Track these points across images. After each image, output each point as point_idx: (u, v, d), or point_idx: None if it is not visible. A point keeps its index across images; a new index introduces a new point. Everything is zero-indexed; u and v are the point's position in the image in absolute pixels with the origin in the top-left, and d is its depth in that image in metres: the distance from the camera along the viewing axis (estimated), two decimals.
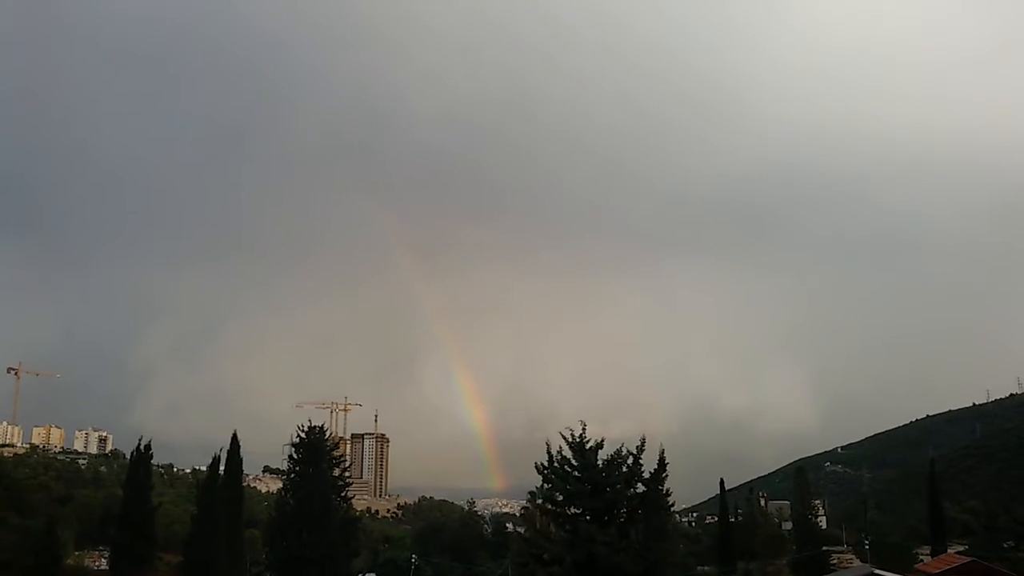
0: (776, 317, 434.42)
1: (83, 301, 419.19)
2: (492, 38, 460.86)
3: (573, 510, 43.67)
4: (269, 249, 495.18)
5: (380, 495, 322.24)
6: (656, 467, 43.57)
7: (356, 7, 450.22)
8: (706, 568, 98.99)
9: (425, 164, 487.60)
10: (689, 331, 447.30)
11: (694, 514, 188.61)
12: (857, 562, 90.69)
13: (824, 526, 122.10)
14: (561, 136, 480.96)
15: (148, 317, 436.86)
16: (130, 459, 75.16)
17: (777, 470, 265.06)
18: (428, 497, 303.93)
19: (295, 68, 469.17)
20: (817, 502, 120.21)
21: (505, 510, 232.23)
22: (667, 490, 43.99)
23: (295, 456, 62.17)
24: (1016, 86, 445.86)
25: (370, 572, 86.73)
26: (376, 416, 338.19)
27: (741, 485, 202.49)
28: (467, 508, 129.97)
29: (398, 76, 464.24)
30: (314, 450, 61.83)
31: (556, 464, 43.56)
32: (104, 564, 75.11)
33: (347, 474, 70.90)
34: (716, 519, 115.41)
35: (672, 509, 51.41)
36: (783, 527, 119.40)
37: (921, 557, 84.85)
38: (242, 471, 72.95)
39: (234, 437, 68.97)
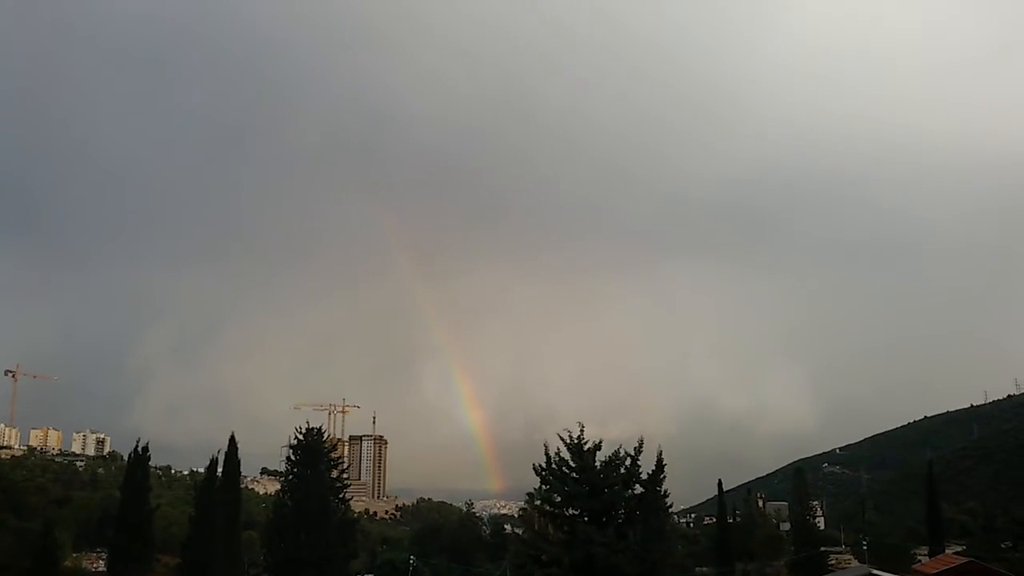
0: (775, 319, 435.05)
1: (82, 302, 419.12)
2: (492, 40, 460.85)
3: (571, 511, 43.63)
4: (268, 250, 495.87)
5: (378, 497, 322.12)
6: (654, 468, 43.56)
7: (356, 8, 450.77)
8: (704, 569, 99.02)
9: (425, 165, 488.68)
10: (688, 333, 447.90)
11: (692, 515, 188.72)
12: (855, 563, 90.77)
13: (822, 527, 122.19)
14: (561, 138, 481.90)
15: (147, 318, 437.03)
16: (128, 461, 75.08)
17: (775, 471, 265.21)
18: (426, 499, 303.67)
19: (295, 69, 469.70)
20: (815, 503, 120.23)
21: (503, 511, 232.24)
22: (665, 491, 44.00)
23: (293, 458, 62.17)
24: (1016, 88, 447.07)
25: (368, 573, 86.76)
26: (374, 418, 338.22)
27: (740, 486, 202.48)
28: (465, 509, 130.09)
29: (398, 77, 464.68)
30: (312, 452, 61.82)
31: (554, 465, 43.55)
32: (102, 566, 75.16)
33: (345, 476, 70.91)
34: (714, 520, 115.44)
35: (670, 510, 51.47)
36: (781, 528, 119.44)
37: (919, 558, 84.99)
38: (240, 473, 72.95)
39: (232, 439, 69.03)
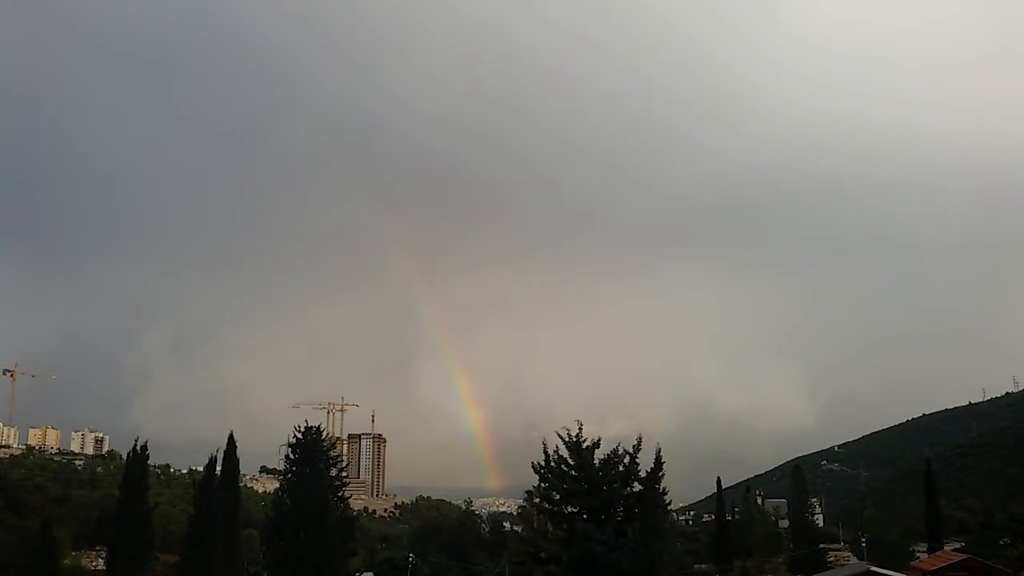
0: (774, 318, 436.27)
1: (80, 302, 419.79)
2: (489, 42, 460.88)
3: (570, 509, 43.64)
4: (267, 250, 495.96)
5: (377, 495, 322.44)
6: (653, 466, 43.53)
7: (353, 11, 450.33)
8: (703, 566, 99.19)
9: (422, 166, 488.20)
10: (687, 331, 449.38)
11: (691, 513, 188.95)
12: (854, 560, 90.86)
13: (821, 524, 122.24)
14: (559, 138, 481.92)
15: (145, 318, 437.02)
16: (127, 460, 75.10)
17: (774, 469, 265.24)
18: (425, 497, 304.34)
19: (292, 71, 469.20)
20: (814, 500, 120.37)
21: (502, 509, 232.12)
22: (664, 489, 43.95)
23: (292, 456, 62.12)
24: (1015, 89, 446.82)
25: (367, 571, 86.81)
26: (373, 416, 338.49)
27: (738, 484, 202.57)
28: (464, 507, 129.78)
29: (396, 79, 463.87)
30: (311, 450, 61.78)
31: (553, 463, 43.56)
32: (101, 564, 75.24)
33: (344, 474, 71.02)
34: (713, 518, 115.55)
35: (669, 508, 51.49)
36: (780, 525, 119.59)
37: (918, 554, 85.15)
38: (239, 471, 73.08)
39: (231, 437, 69.23)
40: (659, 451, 44.20)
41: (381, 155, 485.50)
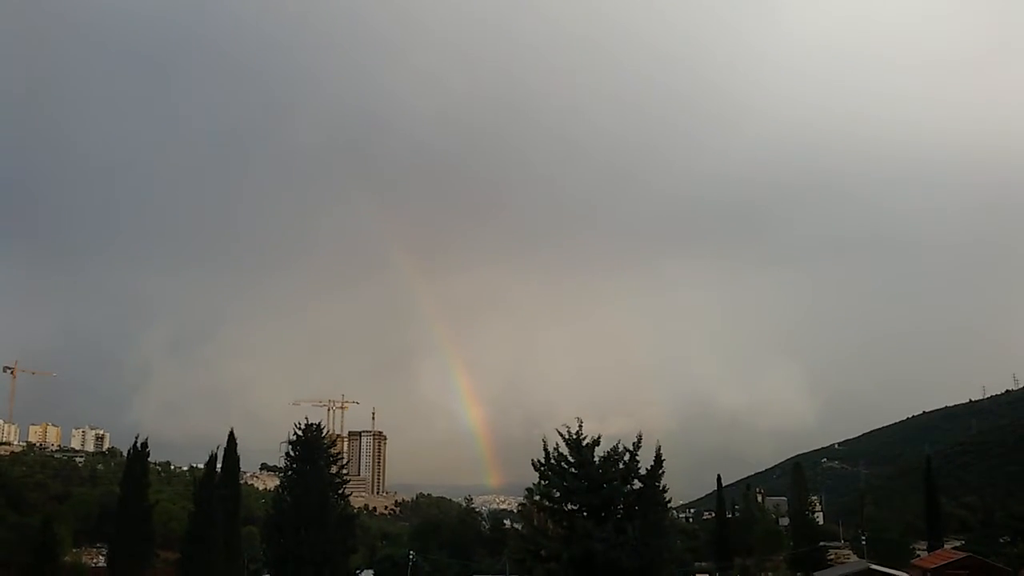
0: (774, 315, 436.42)
1: (81, 300, 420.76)
2: (489, 40, 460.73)
3: (570, 506, 43.66)
4: (267, 248, 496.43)
5: (377, 492, 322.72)
6: (653, 463, 43.53)
7: (353, 10, 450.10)
8: (703, 564, 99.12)
9: (422, 164, 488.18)
10: (687, 329, 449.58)
11: (691, 510, 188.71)
12: (854, 557, 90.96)
13: (821, 522, 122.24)
14: (559, 137, 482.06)
15: (146, 316, 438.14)
16: (127, 457, 75.12)
17: (774, 466, 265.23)
18: (426, 494, 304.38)
19: (292, 70, 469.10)
20: (814, 498, 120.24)
21: (503, 507, 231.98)
22: (664, 486, 43.94)
23: (292, 454, 62.16)
24: (1014, 85, 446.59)
25: (368, 569, 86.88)
26: (373, 414, 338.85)
27: (738, 481, 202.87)
28: (465, 505, 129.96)
29: (396, 77, 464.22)
30: (311, 448, 61.81)
31: (553, 461, 43.56)
32: (102, 561, 75.28)
33: (344, 471, 70.99)
34: (713, 515, 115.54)
35: (669, 505, 51.43)
36: (780, 523, 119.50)
37: (918, 552, 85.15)
38: (239, 468, 73.01)
39: (231, 435, 69.22)
40: (659, 449, 44.23)
41: (381, 154, 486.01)
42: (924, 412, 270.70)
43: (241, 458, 70.45)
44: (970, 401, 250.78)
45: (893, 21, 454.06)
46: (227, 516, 64.08)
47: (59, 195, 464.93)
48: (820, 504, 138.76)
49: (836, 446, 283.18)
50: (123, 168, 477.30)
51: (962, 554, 62.49)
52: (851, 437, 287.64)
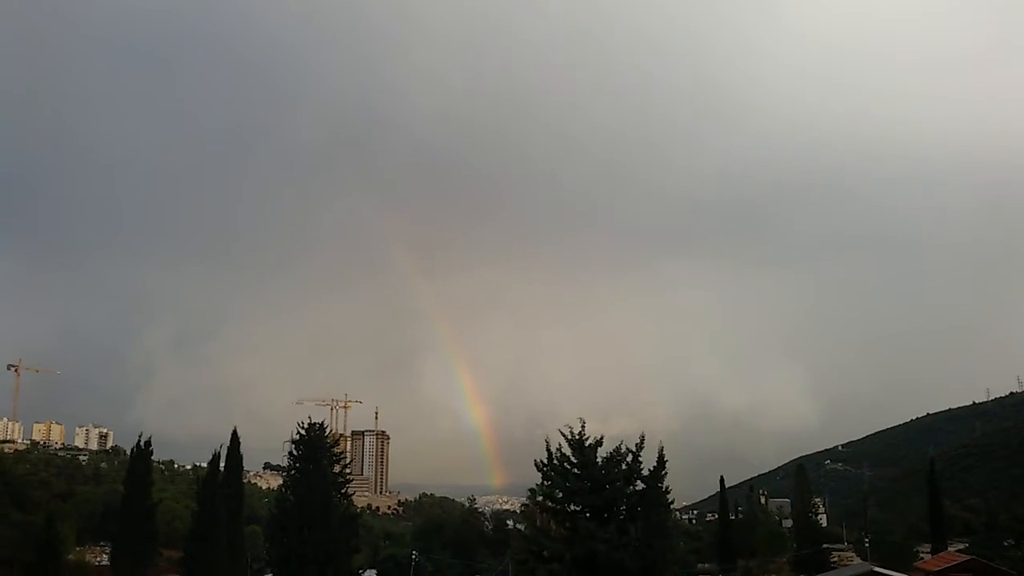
0: (777, 315, 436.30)
1: (83, 298, 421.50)
2: (490, 37, 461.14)
3: (573, 507, 43.57)
4: (269, 246, 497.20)
5: (381, 492, 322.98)
6: (656, 464, 43.44)
7: (355, 7, 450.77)
8: (706, 565, 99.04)
9: (424, 162, 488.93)
10: (690, 329, 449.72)
11: (694, 512, 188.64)
12: (857, 560, 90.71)
13: (824, 524, 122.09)
14: (560, 135, 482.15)
15: (147, 313, 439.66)
16: (131, 455, 75.18)
17: (777, 468, 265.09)
18: (428, 494, 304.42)
19: (293, 66, 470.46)
20: (817, 500, 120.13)
21: (505, 507, 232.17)
22: (667, 487, 43.83)
23: (295, 453, 62.16)
24: (1014, 82, 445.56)
25: (371, 569, 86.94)
26: (376, 413, 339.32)
27: (742, 483, 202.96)
28: (468, 505, 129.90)
29: (397, 74, 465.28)
30: (314, 447, 61.81)
31: (556, 461, 43.51)
32: (105, 560, 75.22)
33: (348, 471, 70.95)
34: (716, 517, 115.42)
35: (672, 506, 51.34)
36: (783, 525, 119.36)
37: (921, 555, 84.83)
38: (242, 467, 73.07)
39: (234, 434, 69.28)
40: (662, 449, 44.16)
41: (382, 151, 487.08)
42: (928, 414, 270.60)
43: (244, 457, 70.54)
44: (974, 403, 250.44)
45: (893, 18, 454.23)
46: (230, 515, 64.15)
47: (60, 191, 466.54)
48: (823, 506, 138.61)
49: (839, 448, 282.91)
50: (124, 164, 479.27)
51: (966, 557, 62.13)
52: (855, 439, 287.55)
